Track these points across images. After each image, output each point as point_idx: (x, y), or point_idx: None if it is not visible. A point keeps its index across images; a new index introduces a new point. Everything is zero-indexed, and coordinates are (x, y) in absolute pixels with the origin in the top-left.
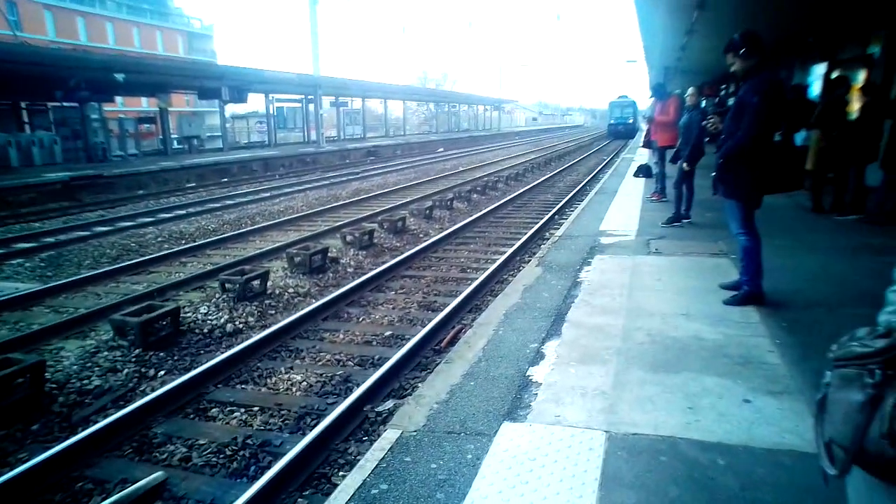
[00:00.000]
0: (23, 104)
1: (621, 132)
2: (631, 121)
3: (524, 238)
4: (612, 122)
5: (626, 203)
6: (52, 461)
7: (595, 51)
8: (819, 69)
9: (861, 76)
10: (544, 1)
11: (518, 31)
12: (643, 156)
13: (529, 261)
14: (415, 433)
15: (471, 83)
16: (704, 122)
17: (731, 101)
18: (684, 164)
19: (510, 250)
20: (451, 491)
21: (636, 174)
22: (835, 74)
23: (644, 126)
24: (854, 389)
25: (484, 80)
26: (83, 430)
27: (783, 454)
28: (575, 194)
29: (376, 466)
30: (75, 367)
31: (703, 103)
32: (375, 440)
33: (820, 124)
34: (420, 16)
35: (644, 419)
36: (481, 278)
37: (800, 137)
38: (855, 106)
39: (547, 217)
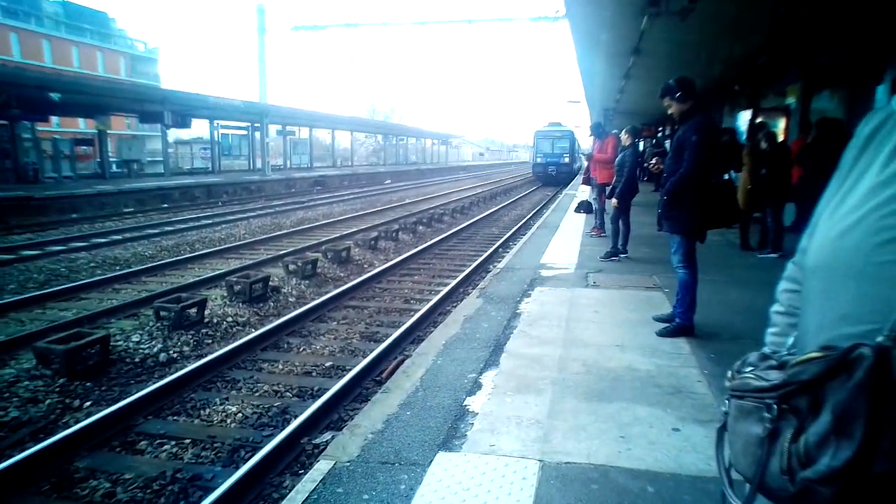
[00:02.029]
0: None
1: (552, 177)
2: (567, 159)
3: (468, 270)
4: (538, 160)
5: (566, 237)
6: None
7: (540, 90)
8: (745, 115)
9: (781, 124)
10: (490, 40)
11: (465, 67)
12: (585, 192)
13: (471, 292)
14: (348, 464)
15: (418, 117)
16: (647, 165)
17: (667, 143)
18: (614, 201)
19: (454, 282)
20: None
21: (577, 210)
22: (758, 121)
23: (585, 163)
24: (752, 422)
25: (431, 114)
26: None
27: (708, 481)
28: (519, 228)
29: (306, 498)
30: None
31: (642, 144)
32: None
33: (746, 165)
34: (369, 48)
35: (577, 448)
36: (424, 309)
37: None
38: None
39: (491, 250)
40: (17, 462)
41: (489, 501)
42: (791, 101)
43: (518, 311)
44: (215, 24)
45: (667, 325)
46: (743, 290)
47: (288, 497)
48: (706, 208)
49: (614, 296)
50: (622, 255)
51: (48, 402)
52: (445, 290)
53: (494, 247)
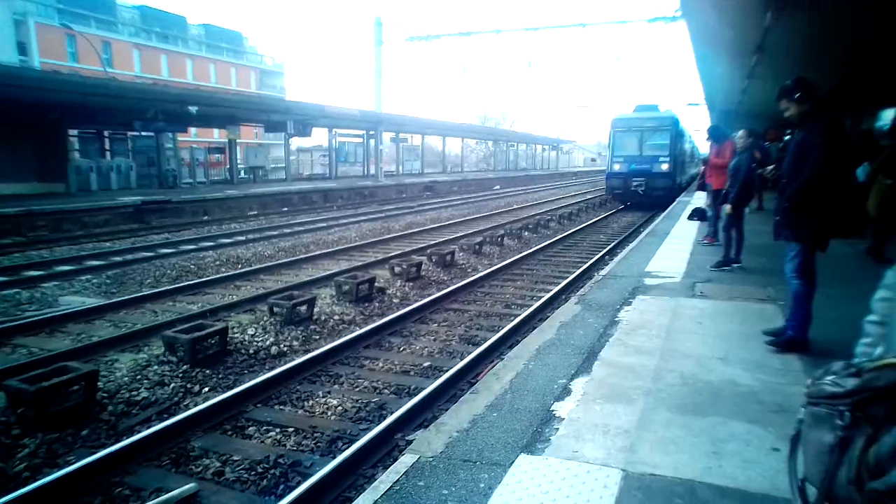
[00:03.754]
0: (105, 133)
1: (639, 196)
2: (666, 166)
3: (571, 277)
4: (615, 167)
5: (676, 245)
6: (95, 466)
7: (656, 92)
8: (889, 114)
9: None
10: (604, 43)
11: (578, 71)
12: (701, 199)
13: (570, 298)
14: (431, 459)
15: (529, 123)
16: (761, 171)
17: None
18: (728, 207)
19: (556, 288)
20: None
21: (690, 217)
22: None
23: (701, 168)
24: (825, 430)
25: (542, 119)
26: (127, 438)
27: None
28: (628, 235)
29: (389, 489)
30: (126, 378)
31: (768, 147)
32: None
33: (882, 169)
34: (480, 56)
35: (664, 461)
36: (524, 315)
37: (861, 172)
38: None
39: (597, 257)
40: (144, 437)
41: None
42: None
43: (616, 319)
44: (334, 37)
45: (776, 337)
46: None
47: (372, 486)
48: (830, 215)
49: (722, 307)
50: (735, 265)
51: (173, 385)
52: (547, 296)
53: (601, 254)
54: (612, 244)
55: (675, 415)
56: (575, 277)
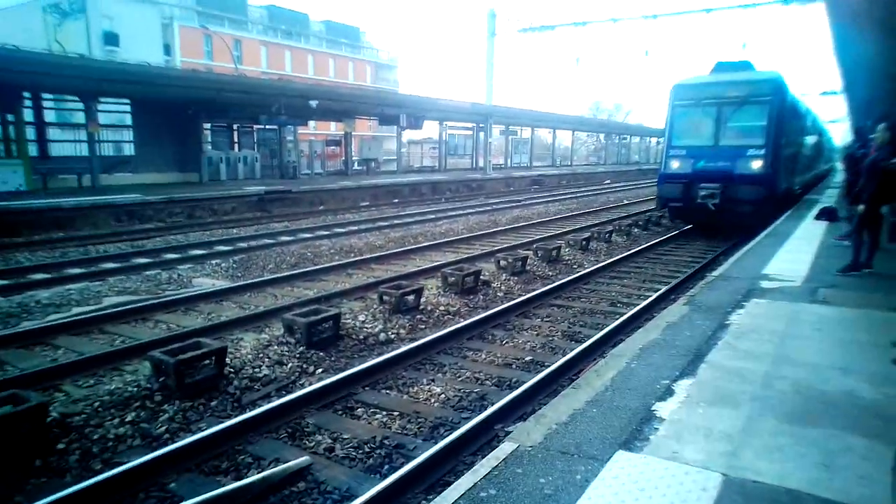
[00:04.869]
0: (234, 126)
1: (711, 213)
2: (758, 163)
3: (682, 277)
4: (672, 164)
5: (798, 247)
6: (223, 433)
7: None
8: None
9: None
10: (728, 29)
11: (699, 60)
12: (832, 196)
13: (678, 299)
14: (530, 448)
15: (645, 114)
16: (886, 164)
17: None
18: (859, 207)
19: (665, 288)
20: None
21: (818, 217)
22: None
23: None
24: None
25: (659, 111)
26: (250, 411)
27: None
28: (745, 235)
29: (489, 473)
30: (250, 356)
31: None
32: None
33: None
34: (595, 45)
35: (768, 468)
36: (629, 314)
37: None
38: None
39: (710, 258)
40: (266, 411)
41: None
42: None
43: (726, 322)
44: (446, 30)
45: None
46: None
47: (472, 470)
48: None
49: (846, 315)
50: (865, 270)
51: (290, 365)
52: (655, 295)
53: (715, 255)
54: (728, 245)
55: (784, 423)
56: (686, 278)
